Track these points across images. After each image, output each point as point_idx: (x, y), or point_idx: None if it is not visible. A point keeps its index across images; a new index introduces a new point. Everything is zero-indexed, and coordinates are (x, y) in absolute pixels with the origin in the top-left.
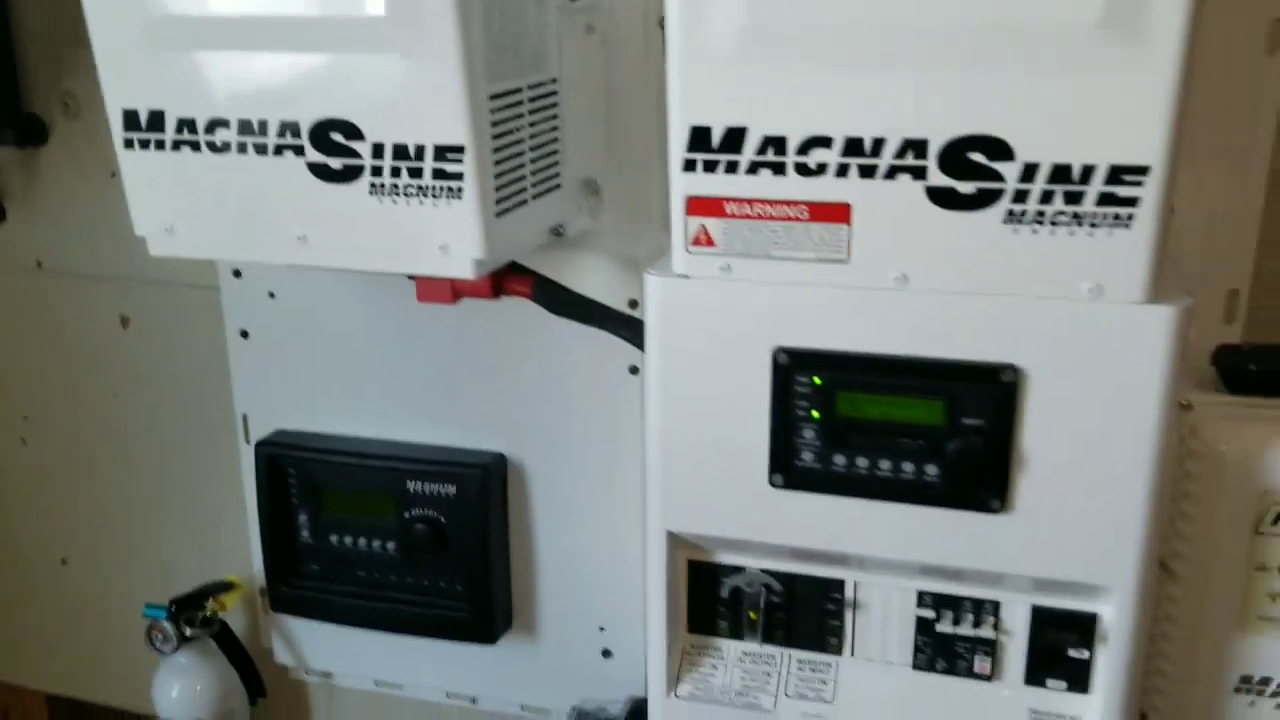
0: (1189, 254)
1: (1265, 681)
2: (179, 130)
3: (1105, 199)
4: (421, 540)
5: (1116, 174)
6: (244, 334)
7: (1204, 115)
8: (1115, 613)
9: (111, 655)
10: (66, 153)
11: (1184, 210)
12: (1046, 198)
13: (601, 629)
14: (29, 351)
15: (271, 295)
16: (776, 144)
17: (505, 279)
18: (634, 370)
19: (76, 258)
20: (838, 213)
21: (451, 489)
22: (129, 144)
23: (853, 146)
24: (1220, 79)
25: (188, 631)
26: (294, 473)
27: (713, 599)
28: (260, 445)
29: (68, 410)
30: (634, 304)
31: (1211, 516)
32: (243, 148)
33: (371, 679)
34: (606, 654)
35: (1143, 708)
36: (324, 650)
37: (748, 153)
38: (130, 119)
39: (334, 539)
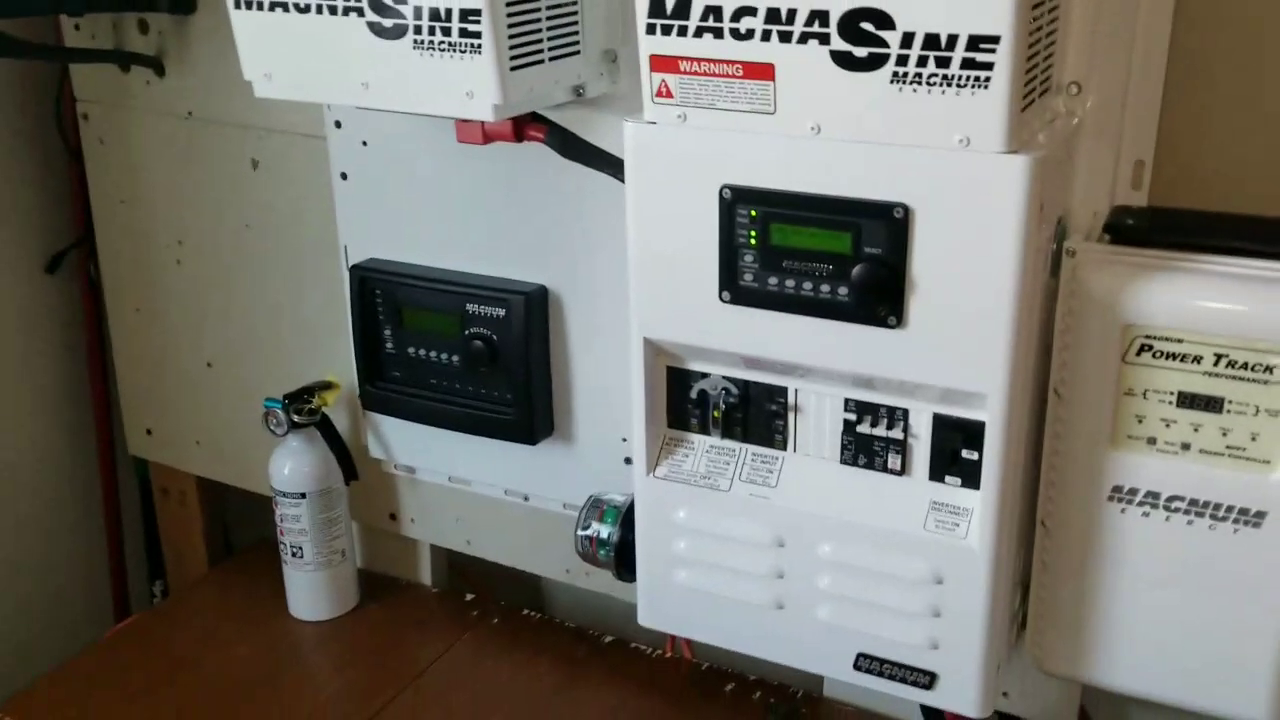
0: (1104, 128)
1: (1133, 491)
2: None
3: (967, 63)
4: (478, 354)
5: (974, 42)
6: (344, 176)
7: (1108, 14)
8: (994, 418)
9: (243, 444)
10: (211, 20)
11: (1096, 91)
12: (922, 61)
13: (624, 440)
14: (182, 187)
15: (364, 143)
16: (715, 11)
17: (525, 126)
18: None
19: (218, 109)
20: (764, 71)
21: (501, 311)
22: (238, 4)
23: (772, 15)
24: None
25: (295, 419)
26: (380, 293)
27: (686, 399)
28: (354, 269)
29: (211, 237)
30: None
31: (1087, 347)
32: (319, 8)
33: (446, 475)
34: (628, 461)
35: (1041, 516)
36: (409, 448)
37: (694, 18)
38: None
39: (411, 350)
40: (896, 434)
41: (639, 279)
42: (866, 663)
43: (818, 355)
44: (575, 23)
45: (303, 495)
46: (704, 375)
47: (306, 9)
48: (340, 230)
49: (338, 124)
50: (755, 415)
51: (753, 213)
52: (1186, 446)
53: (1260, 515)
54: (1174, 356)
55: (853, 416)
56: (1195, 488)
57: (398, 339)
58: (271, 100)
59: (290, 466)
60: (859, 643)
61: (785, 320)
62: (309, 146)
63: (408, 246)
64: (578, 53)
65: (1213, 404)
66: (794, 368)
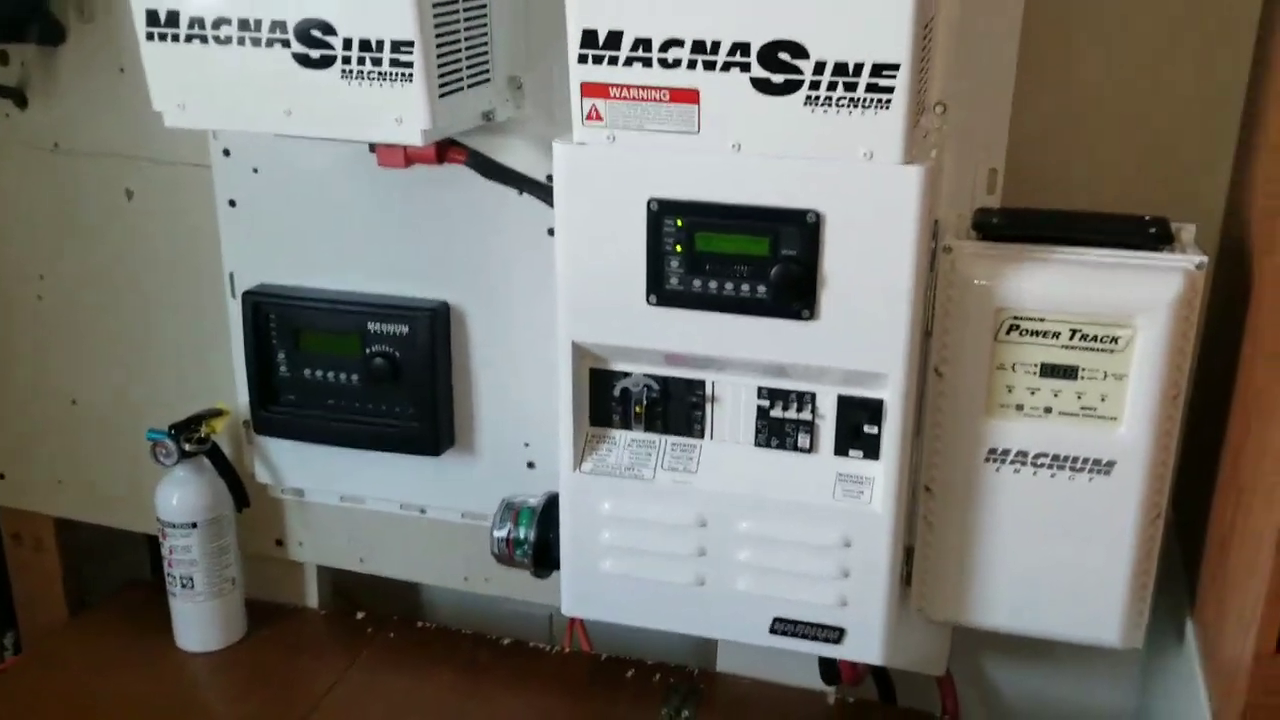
0: (963, 141)
1: (1005, 452)
2: (190, 26)
3: (871, 88)
4: (380, 372)
5: (877, 69)
6: (232, 203)
7: (965, 39)
8: (892, 396)
9: (113, 480)
10: (80, 51)
11: (956, 111)
12: (832, 86)
13: (526, 444)
14: (46, 220)
15: (255, 170)
16: (645, 43)
17: (446, 149)
18: (551, 232)
19: (88, 140)
20: (689, 96)
21: (405, 329)
22: (150, 37)
23: (698, 46)
24: (978, 8)
25: (186, 447)
26: (274, 317)
27: (608, 398)
28: (247, 294)
29: (78, 271)
30: (550, 178)
31: (963, 329)
32: (241, 41)
33: (338, 494)
34: (531, 465)
35: (925, 482)
36: (296, 471)
37: (624, 50)
38: (151, 16)
39: (307, 372)
40: (805, 415)
41: (567, 288)
42: (782, 625)
43: (739, 347)
44: (486, 52)
45: (193, 525)
46: (626, 374)
47: (227, 40)
48: (225, 257)
49: (226, 152)
50: (675, 408)
51: (678, 222)
52: (1049, 410)
53: (1110, 464)
54: (1037, 334)
55: (765, 403)
56: (1057, 445)
57: (292, 362)
58: (149, 130)
59: (179, 496)
60: (775, 608)
61: (708, 318)
62: (190, 175)
63: (302, 270)
64: (489, 80)
65: (1069, 372)
66: (714, 361)
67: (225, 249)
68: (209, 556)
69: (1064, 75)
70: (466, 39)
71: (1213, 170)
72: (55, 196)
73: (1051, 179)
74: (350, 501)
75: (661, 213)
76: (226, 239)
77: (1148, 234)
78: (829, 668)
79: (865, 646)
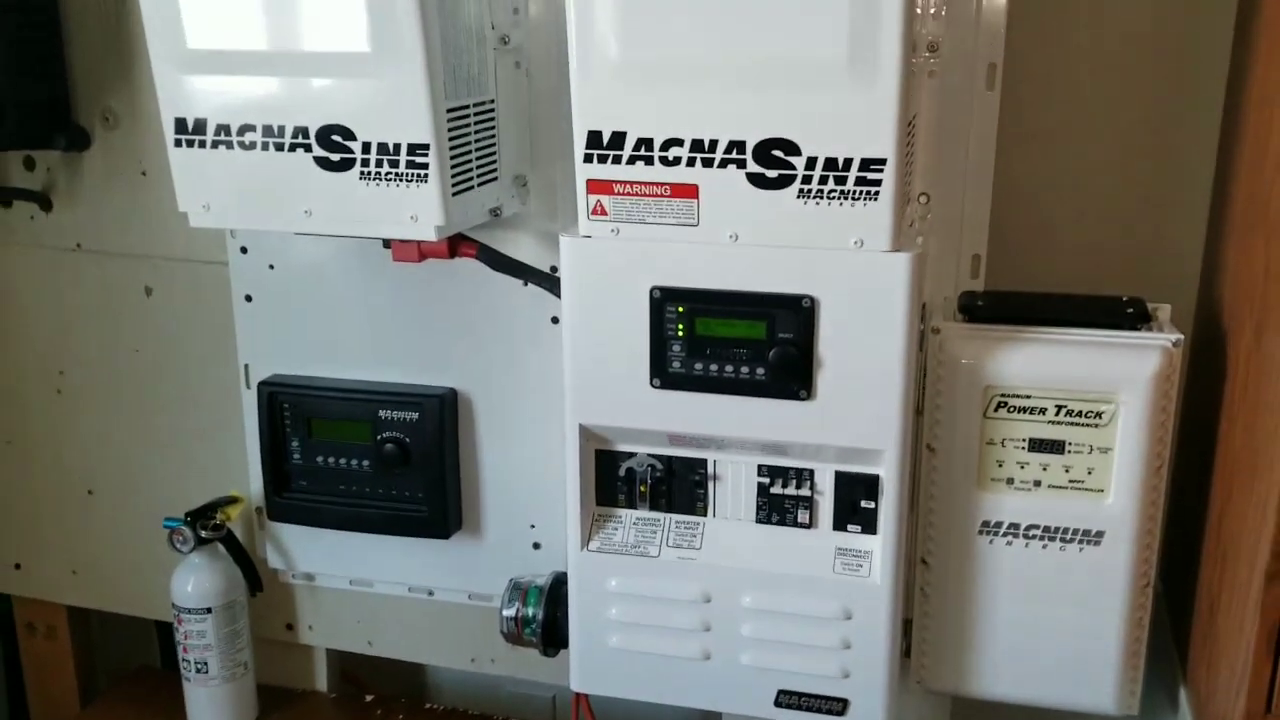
0: (946, 228)
1: (998, 525)
2: (217, 132)
3: (860, 181)
4: (391, 457)
5: (866, 164)
6: (248, 298)
7: (946, 138)
8: (888, 472)
9: (127, 569)
10: (104, 157)
11: (939, 201)
12: (824, 180)
13: (532, 526)
14: (66, 317)
15: (271, 266)
16: (647, 143)
17: (458, 244)
18: (555, 320)
19: (110, 240)
20: (689, 191)
21: (415, 415)
22: (178, 143)
23: (697, 145)
24: (957, 107)
25: (202, 534)
26: (288, 406)
27: (614, 478)
28: (262, 384)
29: (96, 365)
30: (554, 269)
31: (953, 407)
32: (265, 146)
33: (347, 579)
34: (536, 546)
35: (921, 554)
36: (307, 556)
37: (627, 149)
38: (180, 125)
39: (319, 459)
40: (805, 492)
41: (574, 372)
42: (786, 698)
43: (739, 427)
44: (494, 152)
45: (208, 610)
46: (630, 455)
47: (252, 146)
48: (240, 350)
49: (243, 249)
50: (679, 487)
51: (680, 308)
52: (1038, 483)
53: (1100, 534)
54: (1024, 410)
55: (766, 480)
56: (1047, 516)
57: (306, 449)
58: (169, 230)
59: (194, 582)
60: (779, 680)
61: (709, 400)
62: (208, 272)
63: (314, 360)
64: (496, 178)
65: (1056, 446)
66: (715, 440)
67: (240, 341)
68: (223, 641)
69: (1043, 166)
70: (477, 141)
71: (1184, 251)
72: (76, 294)
73: (1032, 266)
74: (359, 585)
75: (664, 300)
76: (242, 332)
77: (1125, 314)
78: None
79: (868, 717)
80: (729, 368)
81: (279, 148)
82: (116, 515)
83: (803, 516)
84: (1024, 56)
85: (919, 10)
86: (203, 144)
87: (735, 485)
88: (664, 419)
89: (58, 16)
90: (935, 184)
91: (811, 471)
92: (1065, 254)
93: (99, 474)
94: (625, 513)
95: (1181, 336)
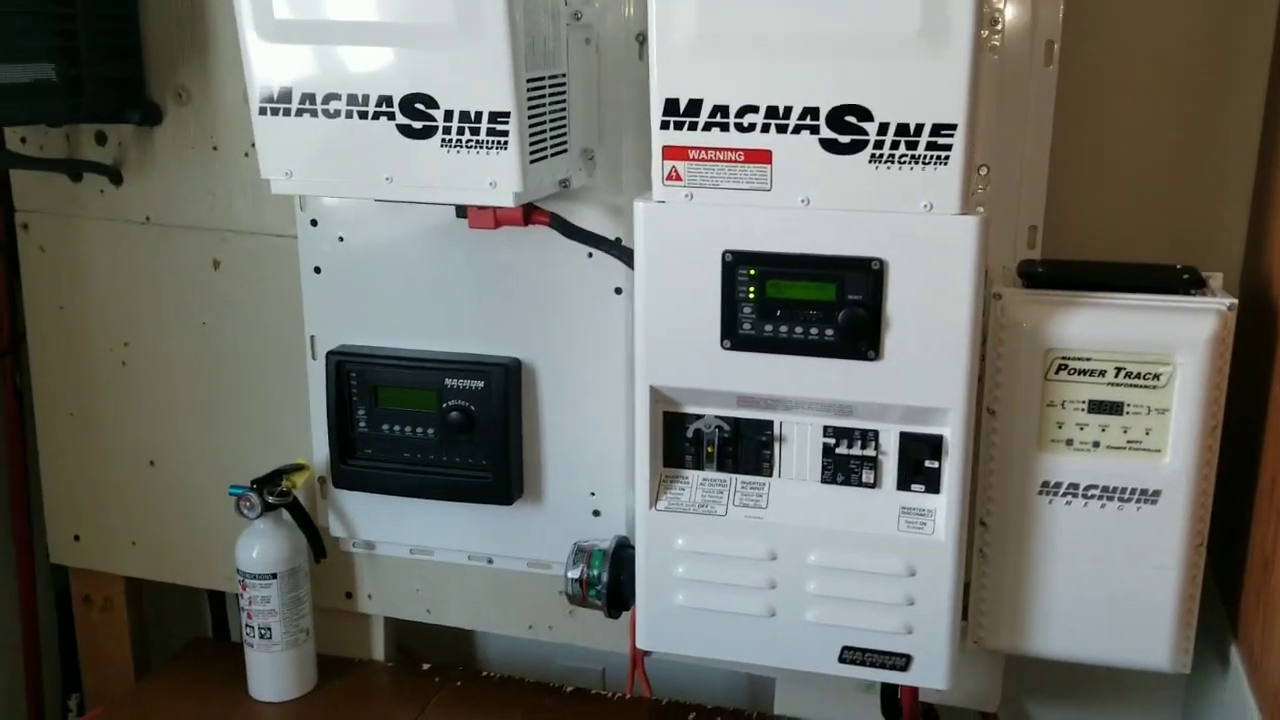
0: (1006, 200)
1: (1058, 485)
2: (302, 101)
3: (931, 146)
4: (456, 425)
5: (936, 129)
6: (317, 270)
7: (1005, 112)
8: (953, 431)
9: (188, 539)
10: (176, 132)
11: (998, 173)
12: (895, 145)
13: (592, 494)
14: (133, 290)
15: (341, 239)
16: (722, 110)
17: (531, 212)
18: (618, 291)
19: (179, 213)
20: (762, 157)
21: (480, 384)
22: (263, 111)
23: (771, 112)
24: (1016, 82)
25: (269, 499)
26: (355, 376)
27: (681, 440)
28: (330, 354)
29: (162, 337)
30: (618, 240)
31: (1015, 370)
32: (349, 114)
33: (407, 547)
34: (596, 513)
35: (980, 516)
36: (369, 524)
37: (703, 116)
38: (265, 94)
39: (385, 427)
40: (869, 452)
41: (645, 335)
42: (850, 654)
43: (808, 387)
44: (565, 124)
45: (273, 576)
46: (698, 417)
47: (336, 114)
48: (307, 321)
49: (314, 222)
50: (745, 448)
51: (751, 271)
52: (1097, 444)
53: (1156, 494)
54: (1084, 372)
55: (831, 440)
56: (1106, 476)
57: (372, 417)
58: (239, 204)
59: (259, 549)
60: (843, 637)
61: (779, 360)
62: (274, 245)
63: (379, 331)
64: (566, 150)
65: (1115, 408)
66: (783, 401)
67: (307, 313)
68: (287, 607)
69: (1094, 140)
70: (551, 113)
71: (1229, 223)
72: (144, 267)
73: (1082, 234)
74: (419, 554)
75: (735, 263)
76: (309, 303)
77: (1181, 280)
78: (891, 706)
79: (930, 672)
80: (799, 329)
81: (363, 116)
82: (178, 486)
83: (867, 476)
84: (1079, 33)
85: None
86: (287, 112)
87: (801, 446)
88: (734, 380)
89: None
90: (994, 157)
91: (876, 432)
92: (1114, 226)
93: (161, 445)
94: (692, 473)
95: (1235, 301)
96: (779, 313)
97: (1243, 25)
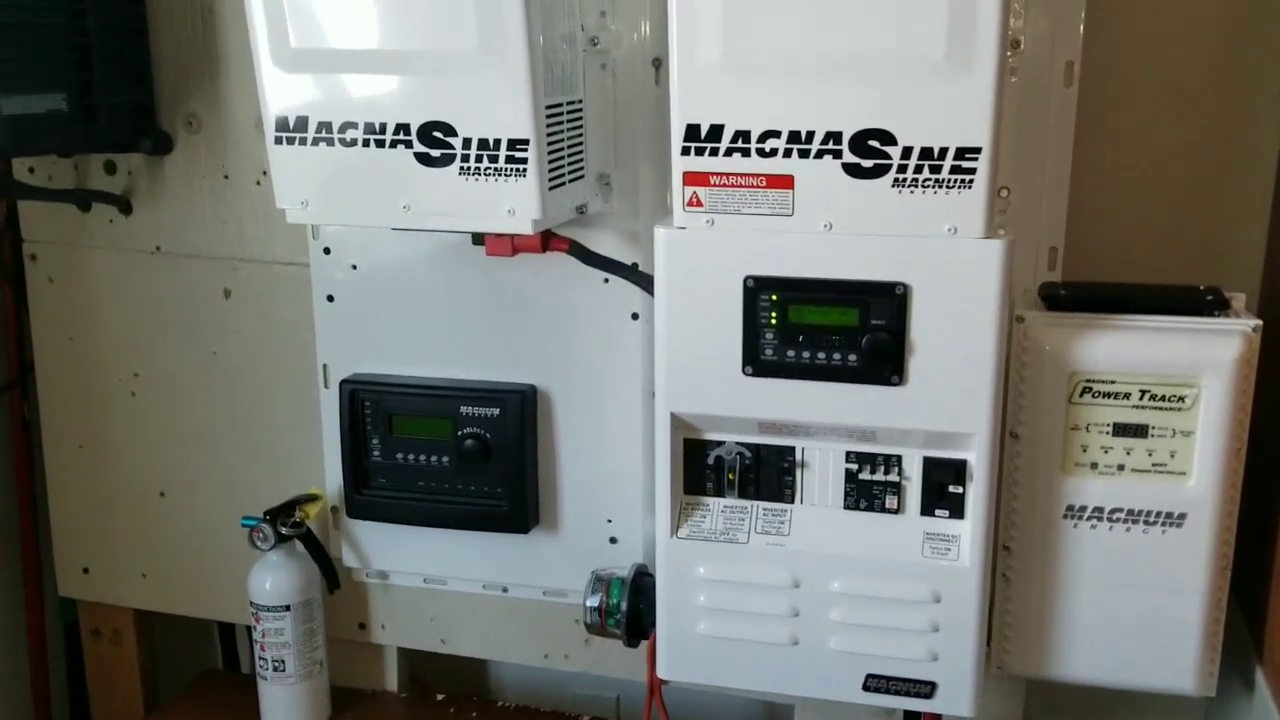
0: (1026, 224)
1: (1083, 509)
2: (318, 130)
3: (955, 169)
4: (471, 453)
5: (961, 153)
6: (330, 298)
7: (1026, 134)
8: (977, 456)
9: (199, 571)
10: (186, 160)
11: (1019, 195)
12: (919, 169)
13: (609, 521)
14: (142, 319)
15: (354, 266)
16: (744, 135)
17: (549, 238)
18: (634, 317)
19: (190, 243)
20: (784, 182)
21: (496, 411)
22: (279, 140)
23: (793, 137)
24: (1036, 104)
25: (282, 531)
26: (369, 404)
27: (701, 467)
28: (344, 382)
29: (172, 367)
30: (635, 265)
31: (1038, 393)
32: (365, 143)
33: (421, 576)
34: (613, 540)
35: (1003, 541)
36: (382, 554)
37: (724, 141)
38: (281, 123)
39: (399, 456)
40: (893, 478)
41: (666, 361)
42: (875, 682)
43: (831, 413)
44: (583, 150)
45: (286, 608)
46: (719, 443)
47: (353, 143)
48: (319, 350)
49: (326, 250)
50: (766, 475)
51: (773, 297)
52: (1121, 467)
53: (1182, 517)
54: (1109, 395)
55: (854, 466)
56: (1131, 500)
57: (386, 446)
58: (249, 233)
59: (272, 581)
60: (868, 665)
61: (802, 386)
62: (286, 273)
63: (392, 359)
64: (583, 177)
65: (1140, 431)
66: (805, 427)
67: (320, 342)
68: (300, 639)
69: (1114, 162)
70: (569, 139)
71: (1247, 244)
72: (153, 297)
73: (1102, 256)
74: (433, 583)
75: (757, 289)
76: (321, 332)
77: (1205, 301)
78: None
79: (956, 699)
80: (821, 355)
81: (380, 144)
82: (188, 517)
83: (890, 502)
84: (1099, 54)
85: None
86: (303, 141)
87: (823, 472)
88: (756, 406)
89: (146, 23)
90: (1015, 178)
91: (899, 457)
92: (1133, 248)
93: (171, 476)
94: (713, 501)
95: (1260, 322)
96: (801, 338)
97: (1261, 46)
